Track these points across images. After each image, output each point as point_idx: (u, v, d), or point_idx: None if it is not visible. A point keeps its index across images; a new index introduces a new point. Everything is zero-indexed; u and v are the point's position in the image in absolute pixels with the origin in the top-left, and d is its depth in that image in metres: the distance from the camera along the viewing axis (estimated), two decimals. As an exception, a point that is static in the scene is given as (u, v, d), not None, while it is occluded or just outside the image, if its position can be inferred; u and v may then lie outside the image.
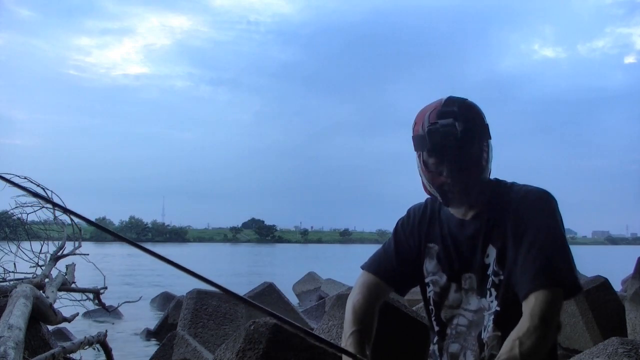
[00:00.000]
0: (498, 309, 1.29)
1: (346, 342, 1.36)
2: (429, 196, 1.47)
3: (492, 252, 1.31)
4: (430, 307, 1.43)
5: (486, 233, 1.32)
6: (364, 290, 1.46)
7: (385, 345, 3.55)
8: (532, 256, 1.21)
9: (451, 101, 1.32)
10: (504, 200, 1.32)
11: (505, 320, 1.26)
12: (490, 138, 1.36)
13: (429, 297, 1.43)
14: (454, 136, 1.27)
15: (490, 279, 1.30)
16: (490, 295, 1.31)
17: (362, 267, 1.53)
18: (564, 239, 1.25)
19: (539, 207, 1.27)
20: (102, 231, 1.12)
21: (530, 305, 1.17)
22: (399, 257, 1.47)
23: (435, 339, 1.43)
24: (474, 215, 1.35)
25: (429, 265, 1.43)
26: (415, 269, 1.46)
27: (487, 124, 1.36)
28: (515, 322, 1.19)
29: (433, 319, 1.43)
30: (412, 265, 1.46)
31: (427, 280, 1.43)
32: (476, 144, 1.31)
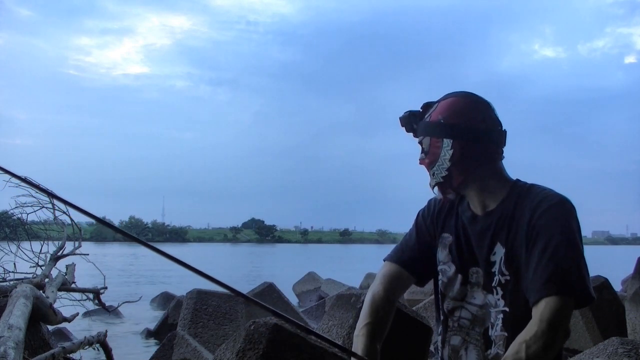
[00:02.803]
0: (507, 309, 1.29)
1: (359, 332, 1.39)
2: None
3: (499, 250, 1.32)
4: (438, 295, 1.45)
5: (495, 231, 1.33)
6: (384, 281, 1.47)
7: (385, 345, 3.54)
8: (545, 262, 1.20)
9: (445, 95, 1.45)
10: (520, 202, 1.32)
11: (515, 321, 1.26)
12: (470, 135, 1.35)
13: (438, 286, 1.45)
14: (410, 123, 1.46)
15: (497, 277, 1.31)
16: (497, 293, 1.31)
17: (385, 259, 1.54)
18: (579, 248, 1.23)
19: (555, 213, 1.25)
20: (112, 229, 1.12)
21: (540, 310, 1.17)
22: (420, 246, 1.49)
23: (440, 329, 1.44)
24: (487, 212, 1.36)
25: (441, 254, 1.45)
26: (433, 258, 1.48)
27: (466, 120, 1.36)
28: (525, 324, 1.20)
29: (440, 308, 1.44)
30: (431, 254, 1.48)
31: (438, 268, 1.45)
32: (433, 137, 1.40)
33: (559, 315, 1.16)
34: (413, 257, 1.49)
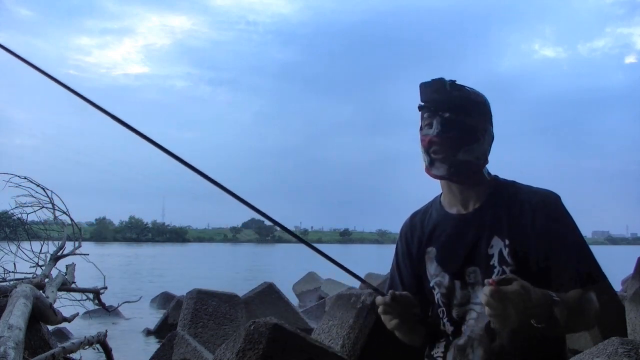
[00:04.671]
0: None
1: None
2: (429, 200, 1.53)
3: (497, 243, 1.33)
4: (441, 309, 1.41)
5: (491, 225, 1.34)
6: None
7: (384, 345, 3.55)
8: (571, 259, 1.29)
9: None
10: (510, 195, 1.36)
11: None
12: (491, 126, 1.40)
13: (437, 299, 1.42)
14: (443, 90, 1.34)
15: (497, 268, 1.31)
16: None
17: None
18: (582, 235, 1.35)
19: (557, 208, 1.33)
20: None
21: (591, 297, 1.26)
22: (409, 278, 1.50)
23: (442, 337, 1.42)
24: (477, 209, 1.38)
25: (431, 268, 1.44)
26: (421, 277, 1.46)
27: (489, 113, 1.41)
28: None
29: (445, 320, 1.41)
30: (418, 275, 1.47)
31: (431, 283, 1.43)
32: (471, 113, 1.36)
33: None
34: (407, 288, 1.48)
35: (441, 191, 1.48)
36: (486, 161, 1.40)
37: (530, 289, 1.13)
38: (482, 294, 1.13)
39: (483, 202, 1.38)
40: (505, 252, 1.31)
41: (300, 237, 1.39)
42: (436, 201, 1.49)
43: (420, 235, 1.47)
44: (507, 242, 1.31)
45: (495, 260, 1.32)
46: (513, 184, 1.40)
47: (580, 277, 1.27)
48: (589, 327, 1.33)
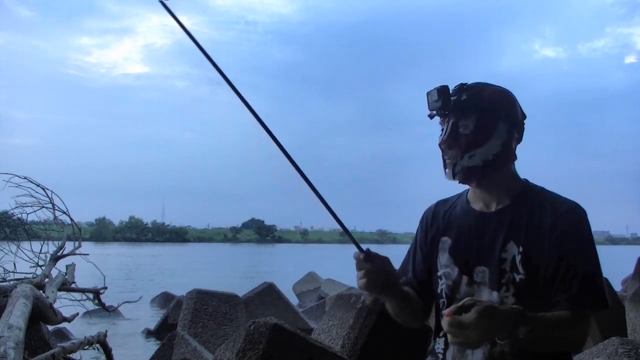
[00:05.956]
0: (519, 307, 1.28)
1: None
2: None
3: (511, 248, 1.32)
4: (442, 300, 1.42)
5: (509, 228, 1.33)
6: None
7: (385, 344, 3.55)
8: (574, 281, 1.26)
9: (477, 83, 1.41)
10: (535, 204, 1.34)
11: None
12: (515, 126, 1.38)
13: (441, 290, 1.43)
14: (447, 95, 1.35)
15: (508, 274, 1.31)
16: (507, 290, 1.30)
17: None
18: (598, 258, 1.32)
19: (578, 223, 1.30)
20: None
21: (582, 320, 1.24)
22: (421, 265, 1.50)
23: (442, 332, 1.41)
24: (498, 210, 1.37)
25: (442, 258, 1.44)
26: (431, 264, 1.47)
27: (515, 112, 1.39)
28: None
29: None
30: (429, 262, 1.48)
31: (439, 273, 1.44)
32: (479, 115, 1.34)
33: (587, 329, 1.26)
34: (417, 281, 1.50)
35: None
36: (502, 161, 1.36)
37: (492, 310, 1.11)
38: (442, 323, 1.14)
39: (506, 205, 1.36)
40: (518, 259, 1.30)
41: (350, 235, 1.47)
42: (463, 194, 1.49)
43: (439, 223, 1.47)
44: (521, 249, 1.30)
45: (507, 265, 1.31)
46: (541, 190, 1.38)
47: (574, 302, 1.25)
48: (568, 350, 1.30)
